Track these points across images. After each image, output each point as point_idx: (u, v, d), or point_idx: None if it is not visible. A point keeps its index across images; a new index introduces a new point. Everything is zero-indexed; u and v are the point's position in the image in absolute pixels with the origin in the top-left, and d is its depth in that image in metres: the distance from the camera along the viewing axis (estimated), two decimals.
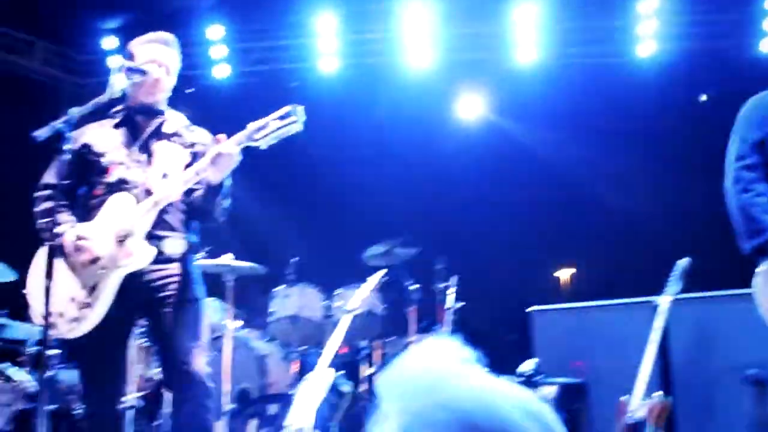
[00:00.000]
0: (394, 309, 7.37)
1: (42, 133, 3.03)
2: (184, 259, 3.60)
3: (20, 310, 5.73)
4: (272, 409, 6.45)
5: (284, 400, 6.55)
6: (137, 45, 3.76)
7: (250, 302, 7.08)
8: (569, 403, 4.42)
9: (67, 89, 10.19)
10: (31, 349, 5.48)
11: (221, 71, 9.46)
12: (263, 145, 3.41)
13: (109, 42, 9.65)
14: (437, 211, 8.73)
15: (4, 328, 5.39)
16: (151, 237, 3.47)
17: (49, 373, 5.09)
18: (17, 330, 5.50)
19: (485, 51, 9.22)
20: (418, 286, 7.00)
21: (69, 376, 5.10)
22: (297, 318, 6.94)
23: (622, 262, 8.56)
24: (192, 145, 3.69)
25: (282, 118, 3.42)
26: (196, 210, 3.63)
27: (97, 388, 3.62)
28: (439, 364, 1.52)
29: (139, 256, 3.43)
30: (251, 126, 3.42)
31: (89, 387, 3.67)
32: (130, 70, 3.57)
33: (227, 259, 5.60)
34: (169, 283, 3.54)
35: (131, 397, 5.09)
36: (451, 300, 5.33)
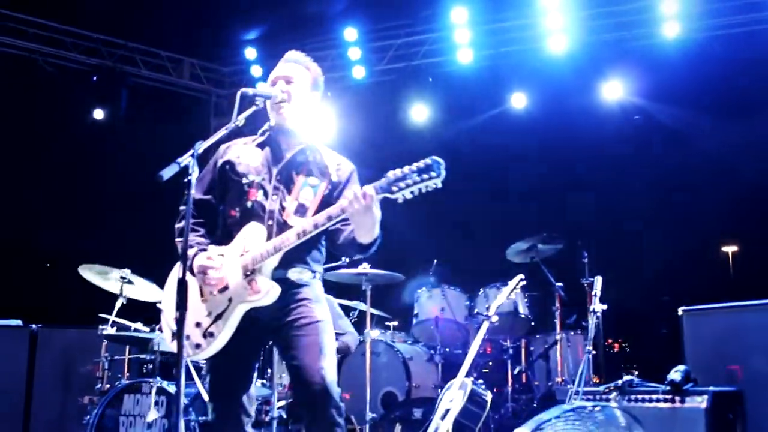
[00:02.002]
0: (539, 307, 7.20)
1: (167, 172, 3.07)
2: (307, 284, 3.55)
3: None
4: (417, 413, 6.46)
5: (429, 404, 6.56)
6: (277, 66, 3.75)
7: (392, 305, 7.11)
8: (723, 414, 4.09)
9: (213, 101, 10.64)
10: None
11: (358, 72, 9.53)
12: (399, 198, 3.20)
13: (250, 52, 9.93)
14: (580, 203, 8.40)
15: (160, 343, 5.62)
16: (279, 267, 3.45)
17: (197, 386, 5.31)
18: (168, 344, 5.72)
19: (624, 30, 8.80)
20: (561, 284, 6.81)
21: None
22: (440, 319, 6.92)
23: None
24: (333, 180, 3.60)
25: (422, 171, 3.14)
26: (343, 248, 3.59)
27: (220, 410, 3.66)
28: None
29: (265, 295, 3.39)
30: (390, 175, 3.21)
31: (215, 408, 3.70)
32: (255, 96, 3.57)
33: (364, 268, 5.61)
34: (296, 308, 3.50)
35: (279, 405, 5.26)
36: (596, 302, 5.08)
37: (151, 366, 5.72)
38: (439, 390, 6.74)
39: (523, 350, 7.12)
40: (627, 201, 8.17)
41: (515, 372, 6.89)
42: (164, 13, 9.26)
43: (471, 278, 7.41)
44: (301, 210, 3.51)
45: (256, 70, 10.05)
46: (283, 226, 3.46)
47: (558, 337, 6.75)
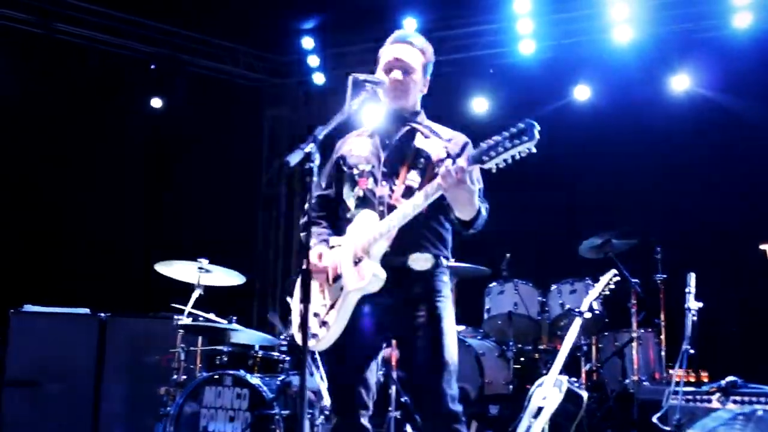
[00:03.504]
0: (613, 303, 7.04)
1: (293, 158, 2.97)
2: (431, 275, 3.45)
3: (247, 315, 5.98)
4: (493, 410, 6.35)
5: (504, 401, 6.45)
6: (382, 49, 3.63)
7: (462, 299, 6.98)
8: None
9: (269, 90, 10.56)
10: (259, 354, 5.63)
11: None
12: (492, 168, 3.04)
13: (307, 42, 9.83)
14: (653, 197, 8.21)
15: (234, 334, 5.56)
16: (397, 253, 3.35)
17: (280, 378, 5.23)
18: (246, 336, 5.67)
19: (692, 21, 8.59)
20: (637, 280, 6.65)
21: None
22: (512, 314, 6.80)
23: None
24: (442, 156, 3.47)
25: (514, 136, 2.96)
26: (454, 226, 3.47)
27: (336, 400, 3.61)
28: None
29: (371, 280, 3.27)
30: (482, 145, 3.06)
31: (331, 399, 3.66)
32: (365, 82, 3.46)
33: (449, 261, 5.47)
34: (416, 303, 3.40)
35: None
36: (691, 300, 4.92)
37: (225, 358, 5.64)
38: (511, 387, 6.67)
39: (594, 348, 6.96)
40: (696, 195, 7.96)
41: (587, 370, 6.74)
42: (220, 1, 9.20)
43: (539, 274, 7.27)
44: (408, 193, 3.41)
45: (313, 60, 9.93)
46: (392, 210, 3.37)
47: (634, 334, 6.59)
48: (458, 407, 3.38)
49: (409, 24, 9.21)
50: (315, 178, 3.05)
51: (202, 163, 9.41)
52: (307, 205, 3.61)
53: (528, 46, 9.12)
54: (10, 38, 8.69)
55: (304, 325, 2.96)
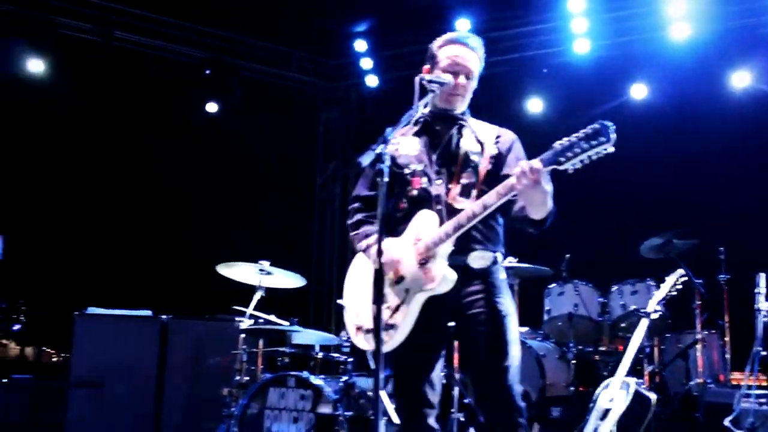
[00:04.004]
0: (675, 304, 6.92)
1: (365, 159, 2.98)
2: (490, 273, 3.44)
3: (304, 317, 6.02)
4: (555, 412, 6.29)
5: (566, 403, 6.38)
6: (438, 47, 3.61)
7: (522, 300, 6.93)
8: None
9: (322, 94, 10.64)
10: (319, 356, 5.65)
11: None
12: (569, 169, 3.01)
13: (360, 45, 9.87)
14: (714, 197, 8.04)
15: (295, 335, 5.59)
16: (457, 252, 3.33)
17: (343, 379, 5.24)
18: (306, 336, 5.70)
19: (752, 17, 8.42)
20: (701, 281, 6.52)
21: (363, 383, 5.19)
22: (573, 316, 6.73)
23: None
24: (493, 153, 3.48)
25: (590, 137, 2.94)
26: (516, 222, 3.43)
27: (402, 402, 3.60)
28: None
29: (442, 282, 3.27)
30: (556, 146, 3.04)
31: (397, 401, 3.64)
32: (432, 83, 3.45)
33: (510, 261, 5.45)
34: (476, 300, 3.39)
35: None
36: (762, 301, 4.82)
37: (287, 359, 5.67)
38: (572, 389, 6.59)
39: (656, 350, 6.85)
40: (760, 194, 7.78)
41: (650, 372, 6.63)
42: (272, 5, 9.27)
43: (599, 274, 7.18)
44: (465, 191, 3.41)
45: (366, 63, 9.96)
46: (451, 210, 3.37)
47: (698, 336, 6.46)
48: (522, 403, 3.37)
49: (462, 24, 9.17)
50: (387, 179, 3.04)
51: (258, 166, 9.51)
52: (355, 205, 3.66)
53: (583, 45, 9.03)
54: (72, 48, 8.88)
55: (376, 326, 2.96)
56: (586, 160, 2.97)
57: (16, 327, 9.61)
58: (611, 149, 2.93)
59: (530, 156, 3.42)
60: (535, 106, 9.30)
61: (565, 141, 3.02)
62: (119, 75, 9.10)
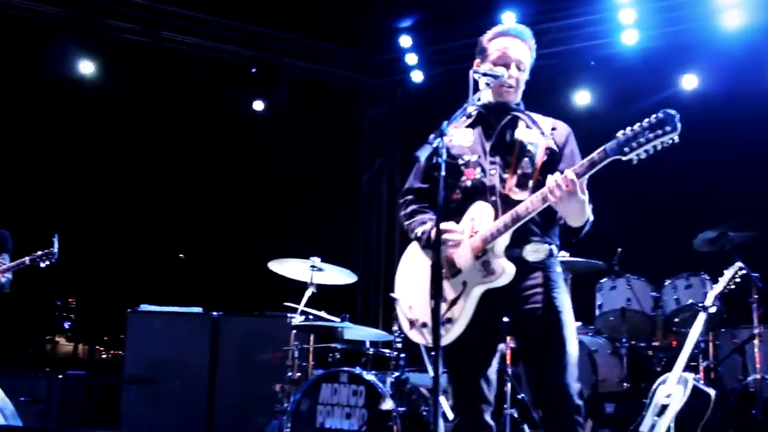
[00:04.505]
0: (730, 298, 6.78)
1: (422, 153, 2.96)
2: (546, 266, 3.40)
3: (351, 313, 6.02)
4: (609, 408, 6.21)
5: (620, 399, 6.30)
6: (488, 40, 3.58)
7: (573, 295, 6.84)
8: None
9: (367, 90, 10.64)
10: (371, 351, 5.65)
11: None
12: (633, 159, 2.99)
13: (405, 40, 9.84)
14: (764, 188, 7.86)
15: (347, 331, 5.60)
16: (511, 243, 3.29)
17: (395, 375, 5.24)
18: (358, 333, 5.70)
19: None
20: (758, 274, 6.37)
21: (416, 378, 5.19)
22: (625, 310, 6.63)
23: None
24: (549, 145, 3.43)
25: (655, 126, 2.92)
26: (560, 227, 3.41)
27: (457, 398, 3.55)
28: None
29: (500, 275, 3.24)
30: (619, 136, 3.01)
31: (452, 397, 3.60)
32: (486, 75, 3.42)
33: (563, 255, 5.38)
34: (533, 295, 3.34)
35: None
36: None
37: (338, 355, 5.68)
38: (625, 385, 6.50)
39: (711, 345, 6.71)
40: None
41: (705, 367, 6.51)
42: (317, 3, 9.30)
43: (651, 268, 7.07)
44: (522, 181, 3.37)
45: (411, 58, 9.92)
46: (507, 201, 3.33)
47: (756, 330, 6.32)
48: (580, 401, 3.32)
49: (508, 17, 9.07)
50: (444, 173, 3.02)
51: (304, 163, 9.55)
52: (408, 197, 3.64)
53: (631, 36, 8.87)
54: (120, 48, 9.01)
55: (435, 321, 2.95)
56: (651, 150, 2.94)
57: (68, 324, 9.80)
58: (677, 139, 2.90)
59: (582, 150, 3.41)
60: (582, 98, 9.18)
61: (628, 131, 2.99)
62: (167, 75, 9.21)
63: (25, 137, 9.11)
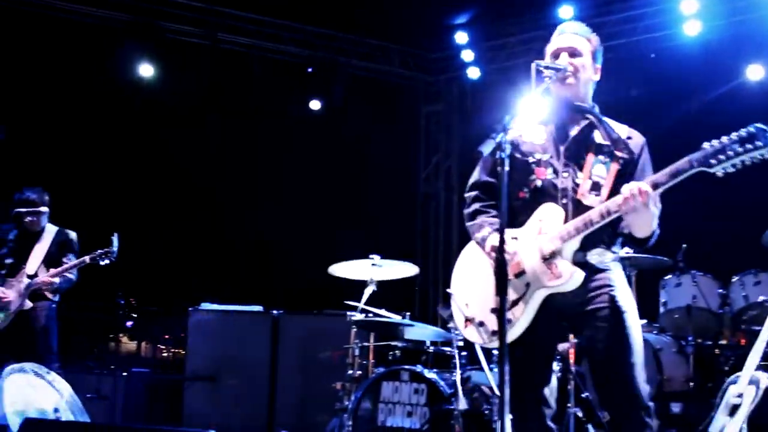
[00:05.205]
0: None
1: (485, 148, 2.92)
2: (609, 268, 3.32)
3: (410, 311, 6.00)
4: (675, 407, 6.08)
5: (686, 399, 6.15)
6: (552, 39, 3.54)
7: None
8: None
9: (424, 87, 10.62)
10: (431, 350, 5.62)
11: None
12: (719, 172, 2.94)
13: (461, 37, 9.78)
14: None
15: (408, 329, 5.57)
16: (578, 248, 3.24)
17: (457, 374, 5.19)
18: (419, 331, 5.67)
19: None
20: None
21: (478, 377, 5.13)
22: (691, 308, 6.47)
23: None
24: (624, 155, 3.35)
25: (744, 141, 2.87)
26: (622, 236, 3.35)
27: (518, 402, 3.47)
28: None
29: (568, 280, 3.19)
30: (706, 146, 2.96)
31: (512, 401, 3.53)
32: (546, 68, 3.35)
33: (627, 252, 5.26)
34: (597, 296, 3.27)
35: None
36: None
37: (398, 353, 5.66)
38: (692, 384, 6.35)
39: None
40: None
41: None
42: (371, 2, 9.30)
43: (718, 265, 6.88)
44: (595, 187, 3.29)
45: (467, 55, 9.86)
46: (578, 205, 3.26)
47: None
48: (650, 402, 3.24)
49: (565, 11, 8.96)
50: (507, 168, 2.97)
51: (361, 161, 9.57)
52: (472, 193, 3.58)
53: (693, 27, 8.67)
54: (180, 51, 9.14)
55: (501, 318, 2.90)
56: (739, 164, 2.91)
57: (129, 323, 9.98)
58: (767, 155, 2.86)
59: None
60: (643, 92, 9.00)
61: (716, 142, 2.94)
62: (224, 76, 9.31)
63: (88, 139, 9.31)
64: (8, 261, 5.96)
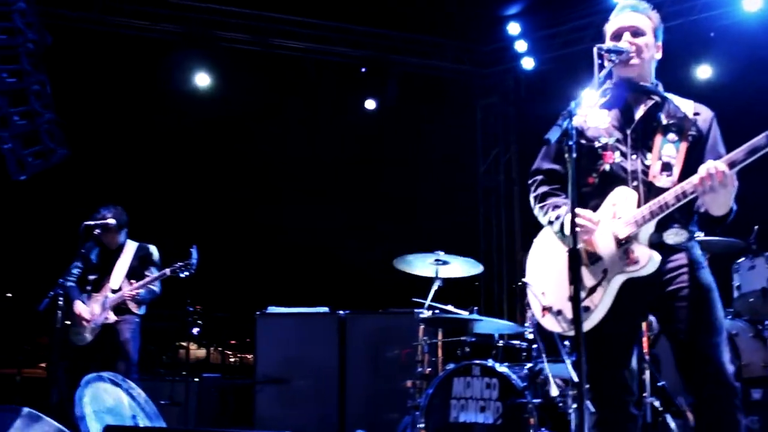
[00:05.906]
0: None
1: (552, 135, 2.88)
2: (687, 248, 3.25)
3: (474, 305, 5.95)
4: (756, 394, 5.91)
5: (767, 385, 5.97)
6: (606, 25, 3.47)
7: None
8: None
9: (478, 81, 10.56)
10: (500, 343, 5.57)
11: None
12: None
13: (513, 28, 9.70)
14: None
15: (476, 324, 5.53)
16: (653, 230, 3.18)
17: (528, 366, 5.14)
18: (487, 325, 5.63)
19: None
20: None
21: (551, 368, 5.06)
22: (766, 291, 6.27)
23: None
24: (693, 132, 3.27)
25: None
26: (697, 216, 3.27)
27: (599, 390, 3.41)
28: None
29: (645, 264, 3.13)
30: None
31: (593, 389, 3.47)
32: (608, 51, 3.28)
33: (698, 235, 5.13)
34: (678, 276, 3.20)
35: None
36: None
37: (468, 348, 5.62)
38: None
39: None
40: None
41: None
42: None
43: None
44: (666, 168, 3.21)
45: (520, 45, 9.77)
46: (650, 187, 3.20)
47: None
48: (737, 383, 3.14)
49: None
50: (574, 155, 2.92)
51: (419, 158, 9.57)
52: (537, 177, 3.53)
53: (753, 2, 8.43)
54: (232, 58, 9.25)
55: (575, 308, 2.85)
56: None
57: (196, 330, 10.12)
58: None
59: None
60: (704, 72, 8.81)
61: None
62: (279, 80, 9.39)
63: (149, 152, 9.48)
64: (92, 277, 6.12)
